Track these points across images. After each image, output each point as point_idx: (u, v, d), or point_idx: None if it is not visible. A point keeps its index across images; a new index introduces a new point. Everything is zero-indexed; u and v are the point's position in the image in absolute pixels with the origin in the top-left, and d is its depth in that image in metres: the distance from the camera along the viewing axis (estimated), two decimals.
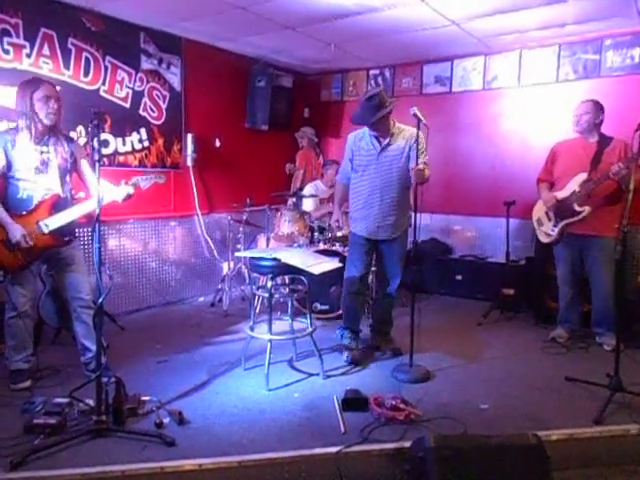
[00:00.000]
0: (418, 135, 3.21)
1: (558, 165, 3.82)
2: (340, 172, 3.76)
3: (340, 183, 3.73)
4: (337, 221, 3.78)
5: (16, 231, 2.75)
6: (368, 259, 3.57)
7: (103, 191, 2.57)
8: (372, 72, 5.91)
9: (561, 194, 3.74)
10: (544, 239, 3.90)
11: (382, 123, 3.28)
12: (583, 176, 3.62)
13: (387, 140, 3.35)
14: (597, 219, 3.57)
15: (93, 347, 2.89)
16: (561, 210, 3.72)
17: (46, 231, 2.82)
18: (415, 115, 3.07)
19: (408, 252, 3.60)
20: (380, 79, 5.86)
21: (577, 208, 3.63)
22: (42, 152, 2.85)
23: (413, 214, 3.26)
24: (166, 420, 2.53)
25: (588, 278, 3.78)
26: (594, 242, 3.61)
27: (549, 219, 3.84)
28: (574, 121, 3.71)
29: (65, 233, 2.92)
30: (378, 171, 3.37)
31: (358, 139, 3.47)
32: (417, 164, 3.17)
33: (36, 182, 2.84)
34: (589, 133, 3.67)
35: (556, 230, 3.76)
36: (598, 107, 3.65)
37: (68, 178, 2.98)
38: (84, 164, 3.01)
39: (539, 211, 3.93)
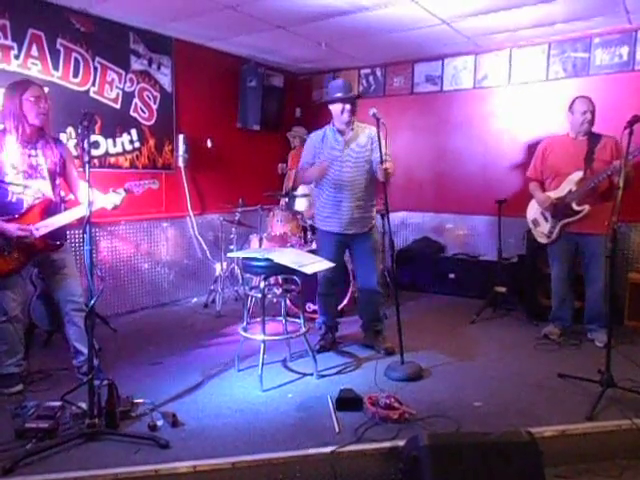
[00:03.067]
0: (379, 133, 3.19)
1: (550, 164, 3.77)
2: (300, 168, 3.68)
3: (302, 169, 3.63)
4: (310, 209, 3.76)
5: (11, 228, 2.71)
6: (340, 258, 3.58)
7: (93, 196, 2.56)
8: (363, 71, 5.91)
9: (555, 194, 3.70)
10: (542, 240, 3.85)
11: (354, 109, 3.37)
12: (579, 174, 3.57)
13: (350, 134, 3.43)
14: (593, 216, 3.54)
15: (85, 350, 2.87)
16: (558, 210, 3.68)
17: (37, 235, 2.80)
18: (374, 115, 3.16)
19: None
20: (371, 78, 5.87)
21: (576, 207, 3.59)
22: (31, 155, 2.83)
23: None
24: (160, 422, 2.52)
25: (582, 275, 3.79)
26: (591, 240, 3.59)
27: (545, 219, 3.79)
28: (581, 120, 3.60)
29: (56, 237, 2.89)
30: (345, 166, 3.42)
31: (320, 137, 3.53)
32: (382, 161, 3.18)
33: (26, 186, 2.81)
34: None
35: (555, 231, 3.73)
36: (594, 104, 3.62)
37: (58, 181, 2.95)
38: (72, 169, 3.00)
39: (534, 212, 3.88)
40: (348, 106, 3.36)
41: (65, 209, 2.92)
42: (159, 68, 4.76)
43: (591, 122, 3.61)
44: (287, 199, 5.05)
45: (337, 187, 3.45)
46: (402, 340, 3.20)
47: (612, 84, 4.53)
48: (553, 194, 3.72)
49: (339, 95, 3.38)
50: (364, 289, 3.61)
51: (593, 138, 3.63)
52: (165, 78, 4.82)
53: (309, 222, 4.72)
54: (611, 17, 4.17)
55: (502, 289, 4.46)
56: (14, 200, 2.80)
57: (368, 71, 5.88)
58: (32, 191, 2.82)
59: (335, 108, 3.43)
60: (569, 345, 3.72)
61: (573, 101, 3.71)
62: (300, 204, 5.01)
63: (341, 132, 3.47)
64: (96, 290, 2.41)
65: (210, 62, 5.22)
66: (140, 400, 2.71)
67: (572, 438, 2.46)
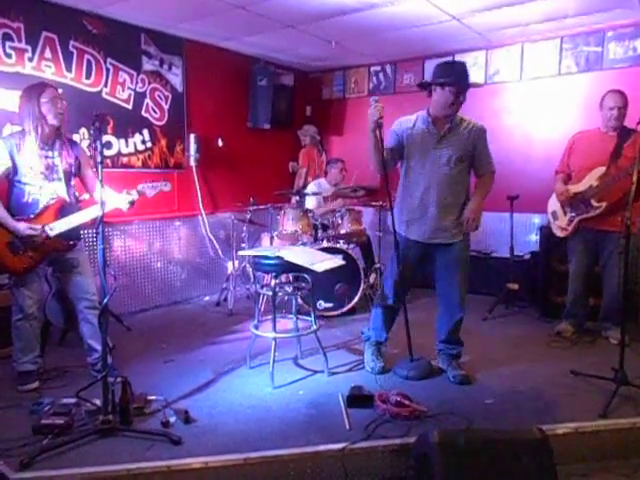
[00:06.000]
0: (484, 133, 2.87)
1: (576, 157, 3.71)
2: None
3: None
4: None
5: (21, 227, 2.76)
6: (414, 270, 3.14)
7: (106, 197, 2.60)
8: (373, 69, 5.90)
9: (576, 188, 3.64)
10: (559, 233, 3.82)
11: (463, 100, 2.85)
12: (601, 170, 3.50)
13: (449, 125, 2.91)
14: (613, 214, 3.46)
15: (99, 347, 2.90)
16: (577, 205, 3.64)
17: (51, 235, 2.84)
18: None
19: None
20: (381, 75, 5.86)
21: (594, 203, 3.54)
22: (47, 157, 2.87)
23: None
24: (172, 419, 2.55)
25: (600, 272, 3.74)
26: (610, 237, 3.52)
27: (565, 213, 3.74)
28: (608, 116, 3.52)
29: (70, 237, 2.94)
30: (436, 162, 2.93)
31: (408, 125, 2.98)
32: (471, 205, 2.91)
33: (42, 187, 2.86)
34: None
35: (572, 224, 3.68)
36: (627, 98, 3.54)
37: (73, 182, 3.00)
38: (88, 169, 3.04)
39: (554, 204, 3.83)
40: (460, 96, 2.83)
41: (80, 209, 2.96)
42: (170, 68, 4.80)
43: (619, 118, 3.51)
44: (298, 197, 5.06)
45: (426, 186, 2.95)
46: (411, 337, 3.18)
47: (626, 78, 4.46)
48: (573, 188, 3.66)
49: (445, 80, 2.81)
50: (450, 312, 3.12)
51: (624, 133, 3.51)
52: (176, 78, 4.86)
53: (319, 220, 4.72)
54: (624, 10, 4.10)
55: (514, 286, 4.43)
56: (30, 201, 2.85)
57: (378, 68, 5.87)
58: (47, 191, 2.87)
59: (440, 95, 2.86)
60: (583, 342, 3.68)
61: (604, 95, 3.62)
62: (310, 202, 5.03)
63: (435, 123, 2.94)
64: (109, 288, 2.45)
65: (220, 62, 5.24)
66: (153, 397, 2.75)
67: (585, 436, 2.44)
